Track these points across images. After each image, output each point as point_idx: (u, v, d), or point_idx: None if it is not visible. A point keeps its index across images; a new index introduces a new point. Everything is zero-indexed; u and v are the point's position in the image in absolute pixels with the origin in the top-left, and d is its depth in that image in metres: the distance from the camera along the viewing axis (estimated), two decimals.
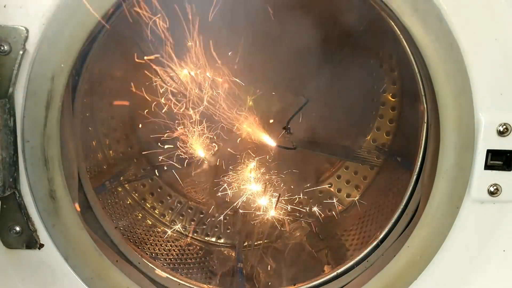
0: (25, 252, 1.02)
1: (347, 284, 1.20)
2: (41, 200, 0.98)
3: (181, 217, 1.95)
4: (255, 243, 1.88)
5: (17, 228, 0.99)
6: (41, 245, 1.01)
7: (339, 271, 1.27)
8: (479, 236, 1.07)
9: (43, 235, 1.01)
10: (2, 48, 0.91)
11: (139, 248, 1.38)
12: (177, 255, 1.77)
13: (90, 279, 1.03)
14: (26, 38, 0.91)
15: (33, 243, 1.01)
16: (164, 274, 1.24)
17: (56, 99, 0.93)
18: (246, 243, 1.89)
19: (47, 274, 1.04)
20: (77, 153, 1.13)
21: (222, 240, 1.95)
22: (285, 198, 1.82)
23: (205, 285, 1.28)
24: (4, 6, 0.90)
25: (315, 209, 1.91)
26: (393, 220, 1.25)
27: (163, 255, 1.70)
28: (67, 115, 1.03)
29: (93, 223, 1.14)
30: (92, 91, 1.58)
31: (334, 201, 1.91)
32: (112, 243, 1.22)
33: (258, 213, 1.81)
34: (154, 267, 1.25)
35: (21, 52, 0.91)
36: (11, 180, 0.93)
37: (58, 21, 0.91)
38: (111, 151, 1.84)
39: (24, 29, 0.91)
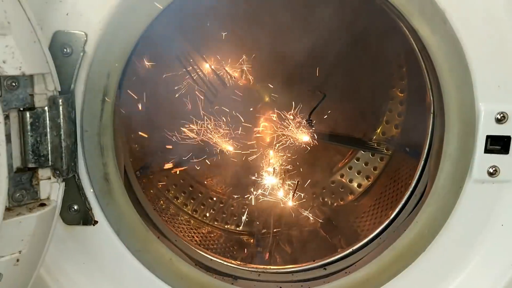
0: (82, 228, 1.14)
1: (362, 258, 1.31)
2: (97, 182, 1.10)
3: (202, 207, 2.05)
4: (273, 230, 1.99)
5: (75, 207, 1.12)
6: (96, 222, 1.13)
7: (354, 247, 1.38)
8: (480, 213, 1.16)
9: (97, 213, 1.13)
10: (65, 51, 1.03)
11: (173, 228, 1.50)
12: (200, 241, 1.87)
13: (138, 252, 1.16)
14: (85, 41, 1.03)
15: (88, 220, 1.13)
16: (198, 251, 1.37)
17: (110, 94, 1.06)
18: (264, 230, 2.01)
19: (101, 247, 1.16)
20: (122, 142, 1.26)
21: (240, 228, 2.04)
22: (300, 187, 1.94)
23: (232, 261, 1.41)
24: (67, 14, 1.03)
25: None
26: (403, 201, 1.36)
27: (186, 242, 1.82)
28: (117, 108, 1.16)
29: (135, 205, 1.26)
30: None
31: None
32: (153, 222, 1.36)
33: (275, 201, 1.93)
34: (189, 245, 1.38)
35: (81, 54, 1.03)
36: (72, 164, 1.06)
37: (113, 27, 1.04)
38: (136, 145, 1.96)
39: (83, 34, 1.03)
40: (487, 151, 1.12)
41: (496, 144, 1.12)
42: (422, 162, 1.33)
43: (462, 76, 1.08)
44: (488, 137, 1.11)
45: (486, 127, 1.10)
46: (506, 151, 1.11)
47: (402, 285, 1.22)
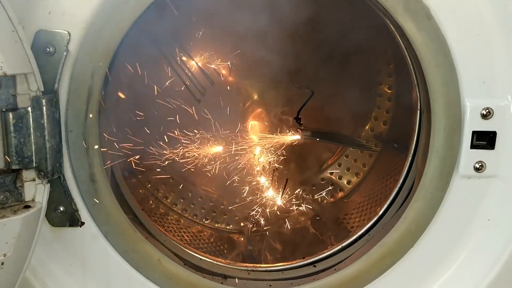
0: (68, 230, 1.13)
1: (351, 255, 1.32)
2: (83, 183, 1.10)
3: (192, 206, 2.04)
4: (263, 228, 1.99)
5: (61, 208, 1.11)
6: (82, 223, 1.12)
7: (343, 244, 1.39)
8: (467, 208, 1.17)
9: (84, 214, 1.12)
10: (48, 50, 1.01)
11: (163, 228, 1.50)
12: (190, 241, 1.87)
13: (126, 252, 1.15)
14: (68, 40, 1.02)
15: (75, 221, 1.12)
16: (187, 251, 1.37)
17: (95, 94, 1.05)
18: (254, 229, 2.01)
19: (88, 248, 1.15)
20: (109, 142, 1.25)
21: (231, 227, 2.05)
22: (290, 185, 1.94)
23: (222, 260, 1.41)
24: (49, 13, 1.01)
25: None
26: (391, 198, 1.36)
27: (176, 241, 1.81)
28: (102, 107, 1.15)
29: (122, 205, 1.25)
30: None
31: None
32: (140, 222, 1.35)
33: (265, 199, 1.93)
34: (178, 244, 1.38)
35: (64, 53, 1.02)
36: (57, 165, 1.05)
37: (96, 25, 1.02)
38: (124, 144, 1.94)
39: (66, 32, 1.02)
40: (473, 146, 1.12)
41: (482, 140, 1.12)
42: (409, 158, 1.34)
43: (448, 72, 1.09)
44: (474, 132, 1.11)
45: (472, 123, 1.11)
46: (492, 147, 1.12)
47: (391, 281, 1.23)
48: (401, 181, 1.36)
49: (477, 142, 1.12)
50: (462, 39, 1.07)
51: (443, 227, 1.18)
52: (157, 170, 1.93)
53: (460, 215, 1.18)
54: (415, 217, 1.17)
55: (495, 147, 1.12)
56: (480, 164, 1.13)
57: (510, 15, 1.06)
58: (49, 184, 1.04)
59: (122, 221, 1.15)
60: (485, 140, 1.12)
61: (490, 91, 1.10)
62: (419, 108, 1.29)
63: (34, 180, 1.02)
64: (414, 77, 1.26)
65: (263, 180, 1.92)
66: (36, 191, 1.02)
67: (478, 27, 1.07)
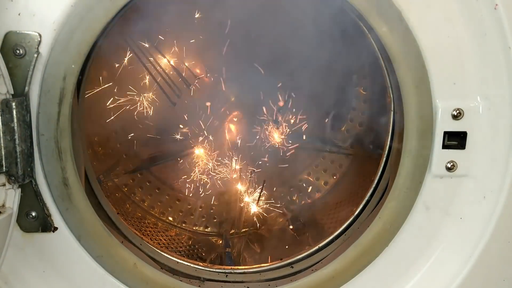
0: (41, 235, 1.10)
1: (327, 255, 1.33)
2: (56, 187, 1.07)
3: (169, 209, 2.03)
4: (241, 230, 2.00)
5: (33, 214, 1.08)
6: (55, 228, 1.10)
7: (320, 244, 1.40)
8: (439, 207, 1.18)
9: (57, 219, 1.10)
10: (18, 52, 0.99)
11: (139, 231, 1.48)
12: (167, 244, 1.86)
13: (100, 257, 1.13)
14: (39, 42, 1.00)
15: (48, 226, 1.10)
16: (163, 254, 1.36)
17: (67, 96, 1.03)
18: (232, 231, 2.01)
19: (61, 254, 1.13)
20: (83, 145, 1.23)
21: (209, 229, 2.04)
22: (267, 186, 1.95)
23: (200, 263, 1.40)
24: (19, 14, 0.99)
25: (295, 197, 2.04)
26: (366, 198, 1.38)
27: (153, 245, 1.80)
28: (75, 110, 1.13)
29: (97, 209, 1.23)
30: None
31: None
32: (116, 227, 1.33)
33: (243, 201, 1.94)
34: (155, 248, 1.36)
35: (35, 55, 1.00)
36: (29, 169, 1.03)
37: (68, 27, 1.01)
38: (100, 148, 1.92)
39: (37, 34, 1.00)
40: (444, 146, 1.14)
41: (453, 140, 1.14)
42: (384, 159, 1.36)
43: (420, 74, 1.10)
44: (445, 133, 1.13)
45: (443, 124, 1.13)
46: (462, 147, 1.14)
47: (367, 280, 1.24)
48: (376, 181, 1.38)
49: (448, 142, 1.14)
50: (433, 41, 1.09)
51: (416, 226, 1.19)
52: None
53: (433, 214, 1.19)
54: (389, 216, 1.18)
55: (466, 147, 1.14)
56: (451, 163, 1.15)
57: (480, 18, 1.08)
58: (20, 189, 1.02)
59: (96, 226, 1.13)
60: (456, 140, 1.14)
61: (461, 93, 1.12)
62: (392, 109, 1.31)
63: (4, 185, 0.99)
64: (388, 79, 1.27)
65: (241, 181, 1.93)
66: (7, 196, 1.00)
67: (448, 29, 1.09)
